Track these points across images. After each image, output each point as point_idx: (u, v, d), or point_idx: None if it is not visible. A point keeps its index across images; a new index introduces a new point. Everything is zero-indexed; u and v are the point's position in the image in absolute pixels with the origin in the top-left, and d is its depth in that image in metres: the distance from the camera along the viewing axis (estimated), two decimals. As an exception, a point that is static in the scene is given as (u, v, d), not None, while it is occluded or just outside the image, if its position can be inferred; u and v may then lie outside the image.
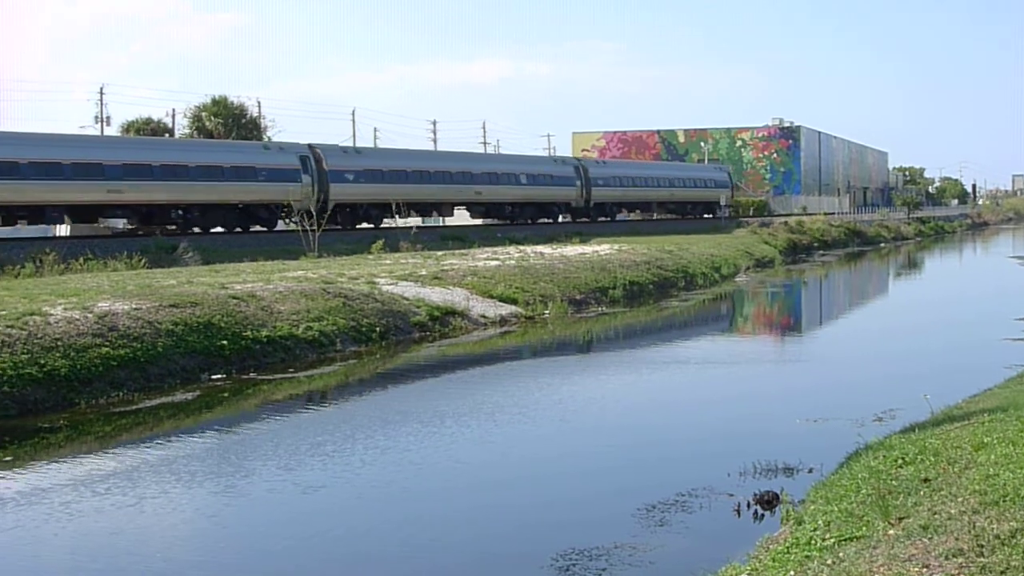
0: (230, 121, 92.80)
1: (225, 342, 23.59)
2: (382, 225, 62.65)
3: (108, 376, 20.72)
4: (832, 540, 9.83)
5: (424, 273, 34.97)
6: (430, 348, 27.68)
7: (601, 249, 48.20)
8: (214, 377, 22.38)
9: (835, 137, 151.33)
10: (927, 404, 15.98)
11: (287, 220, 56.47)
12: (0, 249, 37.64)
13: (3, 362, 19.38)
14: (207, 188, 53.70)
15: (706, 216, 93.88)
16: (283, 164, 57.31)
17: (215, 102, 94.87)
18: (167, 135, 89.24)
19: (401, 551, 12.20)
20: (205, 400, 20.78)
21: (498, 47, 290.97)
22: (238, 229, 56.20)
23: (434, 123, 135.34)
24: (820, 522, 10.64)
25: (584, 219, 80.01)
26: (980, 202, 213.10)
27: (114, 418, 19.05)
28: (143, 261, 36.72)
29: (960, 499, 9.90)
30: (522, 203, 75.07)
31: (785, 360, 28.93)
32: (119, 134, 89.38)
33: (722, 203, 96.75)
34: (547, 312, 33.49)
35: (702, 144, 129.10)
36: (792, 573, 9.33)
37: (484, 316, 31.55)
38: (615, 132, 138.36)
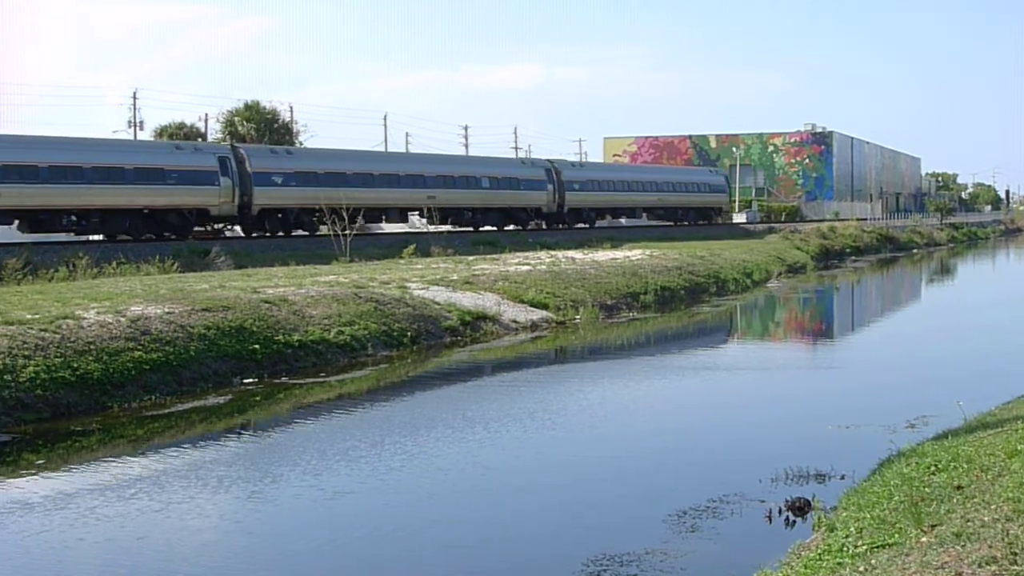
0: (262, 126, 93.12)
1: (257, 346, 23.65)
2: (318, 232, 57.19)
3: (140, 380, 20.80)
4: (864, 547, 9.78)
5: (455, 278, 34.98)
6: (461, 353, 27.69)
7: (632, 254, 48.11)
8: (246, 381, 22.44)
9: (868, 143, 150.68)
10: (960, 410, 15.88)
11: (210, 227, 54.75)
12: (34, 253, 37.81)
13: (36, 365, 19.49)
14: (105, 192, 48.94)
15: (700, 223, 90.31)
16: (198, 166, 52.99)
17: (247, 107, 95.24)
18: (199, 139, 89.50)
19: (429, 556, 12.18)
20: (237, 404, 20.84)
21: (531, 52, 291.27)
22: (151, 236, 51.67)
23: (465, 128, 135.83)
24: (852, 529, 10.58)
25: (561, 225, 76.65)
26: (1013, 208, 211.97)
27: (146, 422, 19.12)
28: (175, 265, 36.88)
29: (993, 507, 9.83)
30: (484, 208, 70.23)
31: (817, 366, 28.81)
32: (151, 138, 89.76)
33: (723, 209, 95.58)
34: (578, 317, 33.44)
35: (734, 149, 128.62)
36: (824, 580, 9.29)
37: (515, 321, 31.54)
38: (647, 137, 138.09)
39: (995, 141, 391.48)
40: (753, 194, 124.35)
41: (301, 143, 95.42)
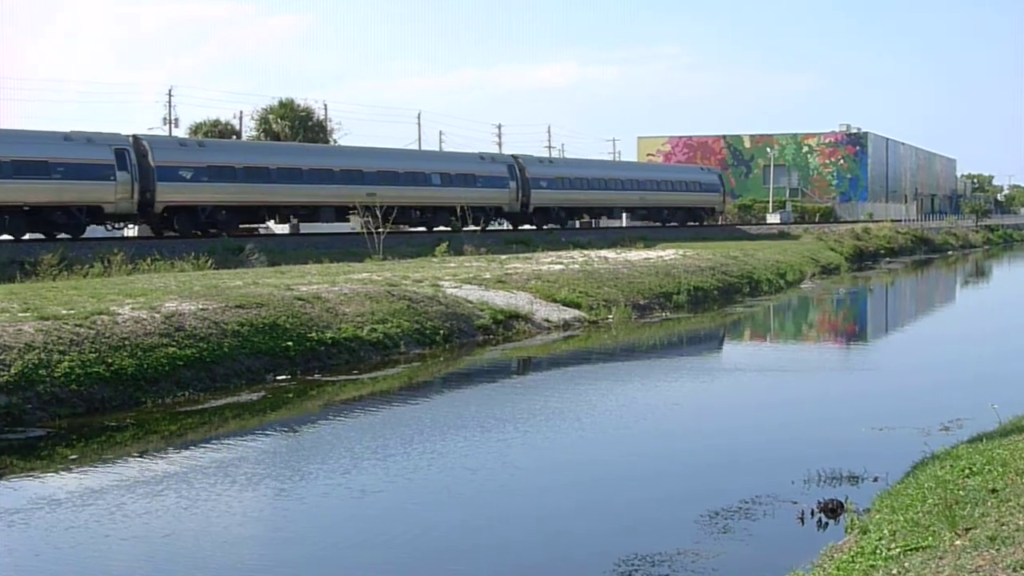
0: (296, 124, 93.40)
1: (290, 343, 23.71)
2: (234, 232, 54.00)
3: (174, 376, 20.89)
4: (898, 550, 9.73)
5: (488, 276, 35.01)
6: (493, 351, 27.70)
7: (666, 254, 48.05)
8: (279, 378, 22.50)
9: (903, 143, 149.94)
10: (995, 413, 15.77)
11: (110, 226, 52.07)
12: (69, 249, 38.01)
13: (71, 360, 19.59)
14: None
15: (691, 224, 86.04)
16: (90, 159, 48.64)
17: (282, 104, 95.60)
18: (234, 137, 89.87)
19: (458, 557, 12.15)
20: (270, 401, 20.90)
21: (565, 51, 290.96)
22: (40, 236, 48.42)
23: (499, 127, 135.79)
24: (885, 531, 10.52)
25: (529, 226, 71.76)
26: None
27: (180, 417, 19.20)
28: (209, 262, 37.00)
29: (1028, 510, 9.78)
30: (434, 207, 64.92)
31: (851, 367, 28.69)
32: (187, 135, 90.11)
33: (716, 209, 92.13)
34: (611, 317, 33.40)
35: (768, 150, 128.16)
36: (856, 583, 9.25)
37: (547, 320, 31.52)
38: (680, 137, 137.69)
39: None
40: (787, 195, 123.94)
41: (335, 141, 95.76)
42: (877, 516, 11.56)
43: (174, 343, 21.61)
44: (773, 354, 30.42)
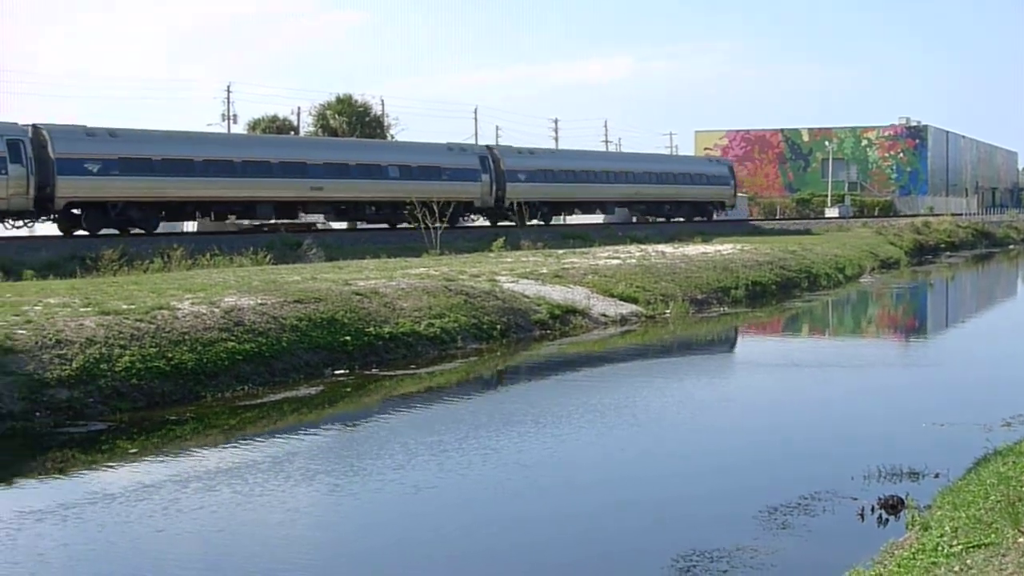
0: (354, 119, 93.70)
1: (348, 338, 23.78)
2: (158, 231, 50.76)
3: (233, 370, 21.00)
4: (959, 547, 9.62)
5: (545, 271, 34.98)
6: (550, 346, 27.65)
7: (723, 248, 47.83)
8: (337, 372, 22.56)
9: (963, 136, 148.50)
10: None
11: (8, 225, 47.34)
12: (130, 244, 38.34)
13: (132, 355, 19.75)
14: None
15: (697, 219, 79.91)
16: None
17: (340, 100, 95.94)
18: (292, 133, 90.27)
19: (514, 552, 12.13)
20: (328, 395, 20.96)
21: (621, 46, 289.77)
22: None
23: (555, 122, 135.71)
24: (947, 528, 10.41)
25: (507, 223, 65.30)
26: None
27: (238, 411, 19.30)
28: (268, 257, 37.24)
29: (1093, 508, 9.66)
30: (392, 203, 59.02)
31: (911, 362, 28.43)
32: (245, 132, 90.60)
33: (725, 204, 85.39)
34: (668, 311, 33.27)
35: (826, 143, 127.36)
36: (918, 580, 9.17)
37: (604, 315, 31.46)
38: (738, 131, 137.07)
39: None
40: (846, 188, 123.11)
41: (392, 136, 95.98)
42: (938, 513, 11.45)
43: (233, 338, 21.73)
44: (832, 349, 30.20)
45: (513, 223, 64.51)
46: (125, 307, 21.92)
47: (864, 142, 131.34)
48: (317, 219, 61.36)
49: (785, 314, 37.38)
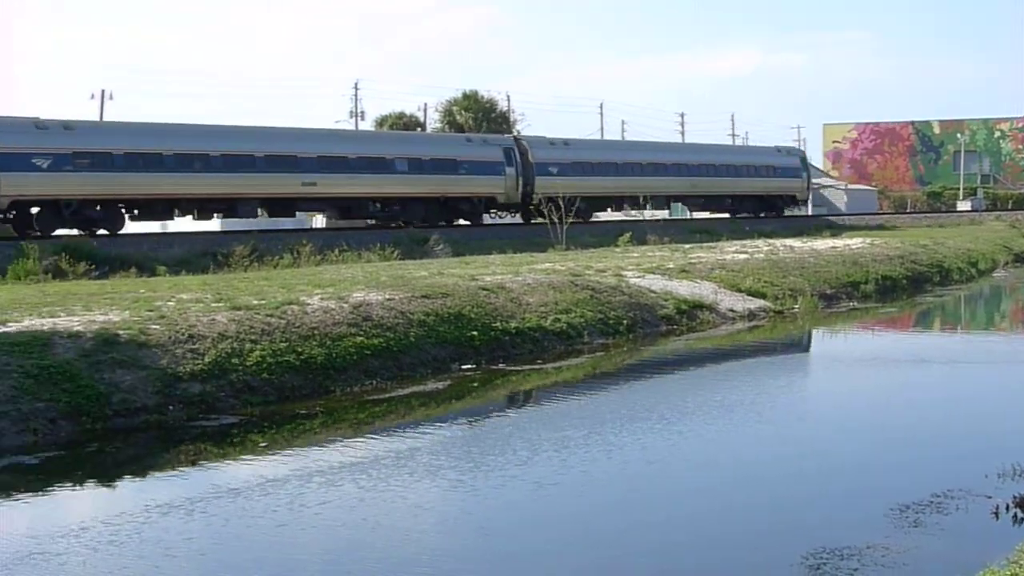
0: (480, 115, 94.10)
1: (475, 333, 23.83)
2: (121, 232, 47.08)
3: (362, 365, 21.14)
4: (1101, 548, 9.36)
5: (671, 266, 34.75)
6: (677, 342, 27.46)
7: (852, 243, 47.17)
8: (464, 367, 22.61)
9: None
10: None
11: None
12: (259, 240, 38.88)
13: (263, 349, 19.99)
14: None
15: (765, 216, 74.14)
16: None
17: (466, 96, 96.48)
18: (418, 129, 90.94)
19: (637, 552, 11.92)
20: (455, 390, 21.01)
21: (748, 38, 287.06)
22: None
23: (682, 116, 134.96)
24: (1089, 529, 10.14)
25: (539, 220, 55.82)
26: None
27: (367, 406, 19.41)
28: (395, 253, 37.53)
29: None
30: (400, 199, 55.88)
31: (1047, 359, 27.77)
32: (372, 128, 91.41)
33: (797, 197, 79.72)
34: (796, 307, 32.84)
35: (958, 135, 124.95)
36: (1059, 582, 8.92)
37: (732, 310, 31.16)
38: (867, 123, 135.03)
39: None
40: (978, 181, 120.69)
41: (518, 132, 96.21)
42: (1080, 513, 11.15)
43: (362, 333, 21.89)
44: (964, 345, 29.54)
45: (546, 221, 59.32)
46: (256, 302, 22.21)
47: (997, 134, 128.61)
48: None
49: (916, 309, 36.74)
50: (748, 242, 47.88)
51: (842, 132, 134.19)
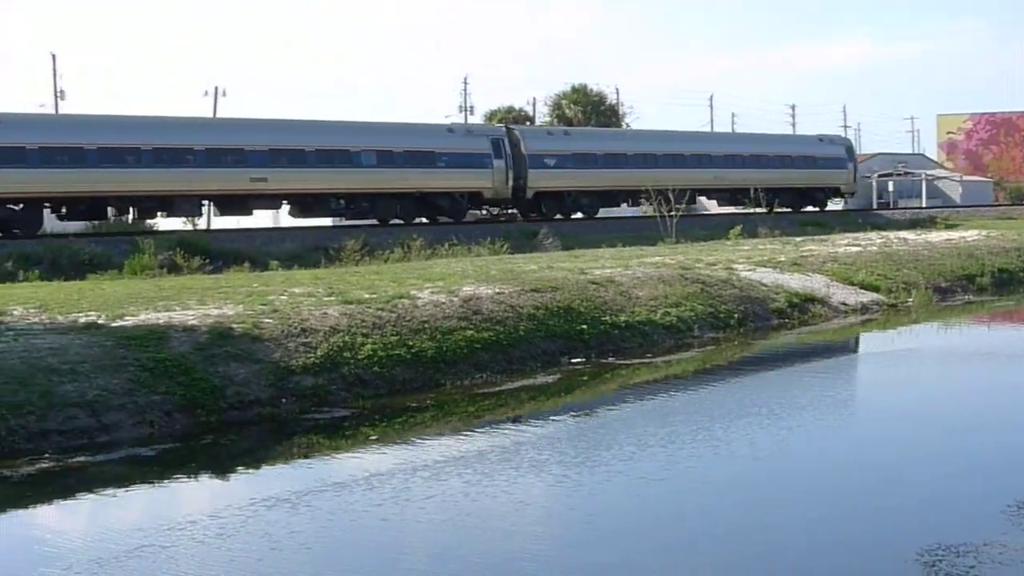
0: (588, 109, 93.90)
1: (584, 326, 23.75)
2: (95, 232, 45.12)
3: (472, 358, 21.16)
4: None
5: (783, 259, 34.39)
6: (788, 336, 27.12)
7: (968, 235, 46.28)
8: (573, 361, 22.52)
9: None
10: None
11: None
12: (370, 235, 39.15)
13: (374, 343, 20.10)
14: None
15: (806, 210, 68.22)
16: None
17: (575, 90, 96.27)
18: (528, 123, 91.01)
19: (747, 552, 11.63)
20: (564, 384, 20.93)
21: (859, 28, 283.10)
22: None
23: (792, 108, 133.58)
24: None
25: (532, 215, 56.87)
26: None
27: (477, 399, 19.41)
28: (505, 246, 37.57)
29: None
30: (369, 194, 51.56)
31: None
32: (482, 122, 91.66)
33: (841, 190, 72.91)
34: (910, 300, 32.32)
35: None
36: None
37: (844, 303, 30.73)
38: (983, 114, 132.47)
39: None
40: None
41: (627, 125, 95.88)
42: None
43: (471, 326, 21.93)
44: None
45: (543, 216, 56.45)
46: (367, 296, 22.36)
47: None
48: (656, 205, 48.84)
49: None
50: (860, 235, 47.26)
51: (956, 123, 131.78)
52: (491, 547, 11.82)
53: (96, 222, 49.48)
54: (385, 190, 51.70)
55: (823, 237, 46.17)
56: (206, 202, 50.57)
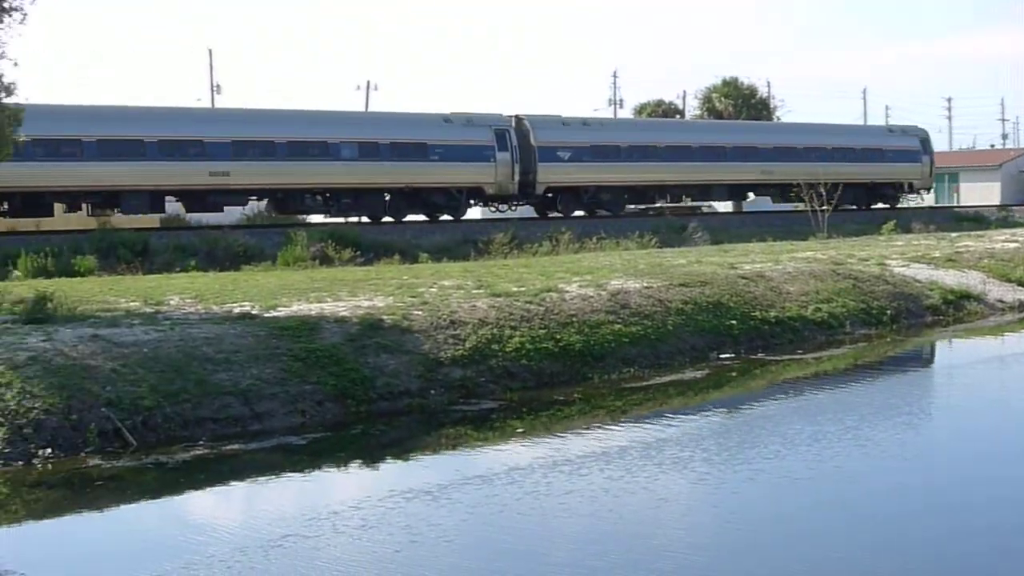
0: (739, 102, 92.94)
1: (733, 322, 23.43)
2: None
3: (619, 352, 20.99)
4: None
5: (937, 255, 33.59)
6: (943, 333, 26.45)
7: None
8: (722, 356, 22.20)
9: None
10: None
11: None
12: (519, 228, 39.21)
13: (522, 336, 20.07)
14: None
15: (868, 208, 61.82)
16: None
17: (725, 83, 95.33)
18: (677, 117, 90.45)
19: (899, 556, 11.29)
20: (713, 379, 20.61)
21: (1018, 19, 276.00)
22: None
23: (948, 100, 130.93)
24: None
25: (549, 214, 52.74)
26: None
27: (624, 394, 19.20)
28: (654, 240, 37.38)
29: None
30: (352, 189, 47.56)
31: None
32: (631, 116, 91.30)
33: (913, 186, 64.95)
34: (1072, 297, 31.36)
35: None
36: None
37: (1001, 301, 29.88)
38: None
39: None
40: None
41: (778, 118, 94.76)
42: None
43: (619, 320, 21.78)
44: None
45: (561, 213, 52.42)
46: (515, 289, 22.35)
47: None
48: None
49: None
50: (1018, 230, 46.06)
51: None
52: (631, 544, 11.59)
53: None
54: (368, 185, 47.58)
55: (979, 233, 45.11)
56: (171, 198, 45.69)
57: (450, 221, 48.90)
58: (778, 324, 24.14)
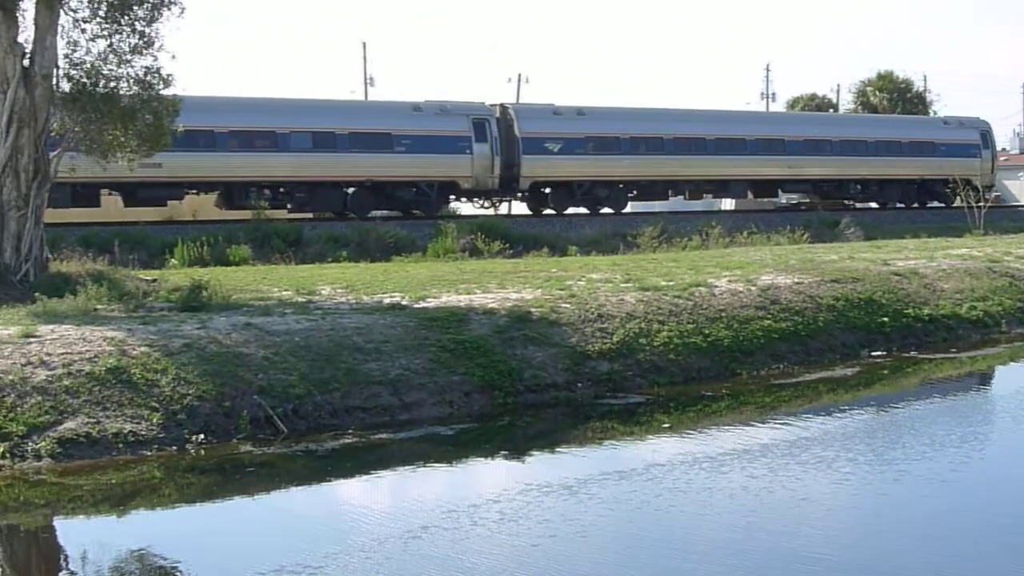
0: (895, 96, 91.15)
1: (886, 319, 22.88)
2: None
3: (769, 348, 20.61)
4: None
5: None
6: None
7: None
8: (873, 354, 21.68)
9: None
10: None
11: None
12: (668, 222, 38.92)
13: (670, 330, 19.84)
14: None
15: (918, 207, 56.45)
16: None
17: (880, 76, 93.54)
18: (831, 111, 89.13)
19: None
20: (864, 377, 20.11)
21: None
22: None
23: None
24: None
25: (543, 211, 48.07)
26: None
27: (773, 390, 18.86)
28: (805, 235, 36.82)
29: None
30: (308, 183, 43.11)
31: None
32: (785, 111, 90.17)
33: (973, 183, 46.74)
34: None
35: None
36: None
37: None
38: None
39: None
40: None
41: (934, 113, 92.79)
42: None
43: (769, 316, 21.42)
44: None
45: (555, 208, 48.33)
46: (664, 283, 22.13)
47: None
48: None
49: None
50: None
51: None
52: (769, 545, 11.29)
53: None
54: (322, 178, 43.31)
55: None
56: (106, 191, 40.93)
57: (600, 214, 47.86)
58: (931, 322, 23.53)
